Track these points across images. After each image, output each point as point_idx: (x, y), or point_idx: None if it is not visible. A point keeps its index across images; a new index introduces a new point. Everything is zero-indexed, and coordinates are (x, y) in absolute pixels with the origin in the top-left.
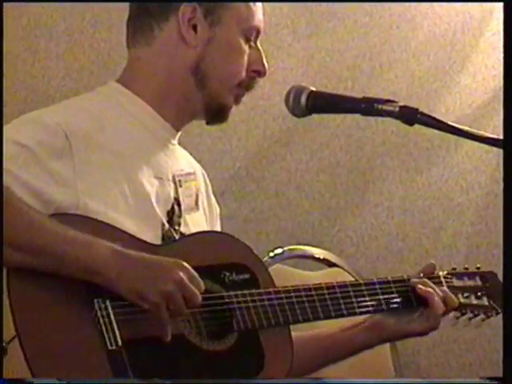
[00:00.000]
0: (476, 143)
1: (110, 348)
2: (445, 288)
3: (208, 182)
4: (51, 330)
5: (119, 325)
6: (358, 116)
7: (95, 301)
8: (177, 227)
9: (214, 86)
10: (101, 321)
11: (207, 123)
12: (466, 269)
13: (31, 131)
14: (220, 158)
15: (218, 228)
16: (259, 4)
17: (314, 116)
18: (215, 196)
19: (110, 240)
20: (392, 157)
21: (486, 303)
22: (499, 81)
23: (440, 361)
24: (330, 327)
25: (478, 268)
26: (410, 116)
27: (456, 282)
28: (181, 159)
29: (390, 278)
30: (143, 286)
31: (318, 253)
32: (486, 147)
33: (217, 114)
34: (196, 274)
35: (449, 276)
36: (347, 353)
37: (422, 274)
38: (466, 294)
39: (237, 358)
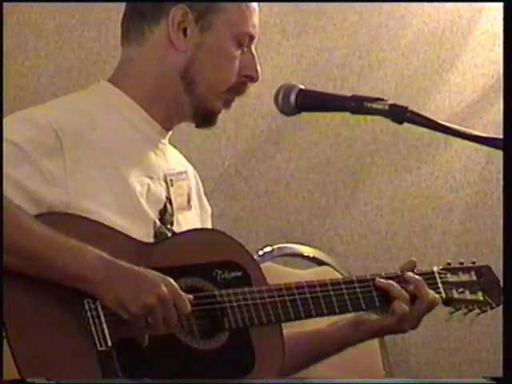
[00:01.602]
0: (465, 142)
1: (99, 349)
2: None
3: (199, 182)
4: (40, 330)
5: (109, 325)
6: (347, 114)
7: (85, 301)
8: (169, 226)
9: (202, 91)
10: (90, 321)
11: (196, 126)
12: (461, 263)
13: (22, 129)
14: (209, 156)
15: (209, 226)
16: (255, 9)
17: (304, 114)
18: (205, 194)
19: (102, 239)
20: (381, 155)
21: (481, 298)
22: (488, 79)
23: (430, 359)
24: (316, 324)
25: (474, 262)
26: (399, 114)
27: (450, 277)
28: (172, 159)
29: (383, 274)
30: (125, 295)
31: (308, 251)
32: (476, 146)
33: (204, 118)
34: (183, 295)
35: (443, 271)
36: (334, 349)
37: (399, 271)
38: (460, 289)
39: (227, 357)
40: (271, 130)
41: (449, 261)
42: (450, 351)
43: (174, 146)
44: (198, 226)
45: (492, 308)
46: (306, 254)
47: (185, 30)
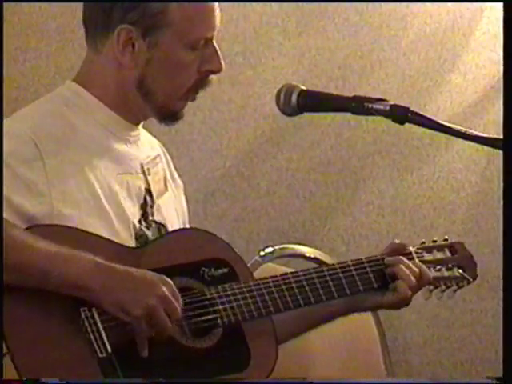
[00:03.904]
0: (467, 142)
1: (100, 356)
2: (418, 262)
3: (168, 157)
4: (41, 342)
5: (107, 331)
6: (348, 115)
7: (81, 309)
8: (151, 217)
9: (160, 99)
10: (88, 329)
11: (164, 124)
12: (435, 241)
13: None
14: (211, 157)
15: (183, 201)
16: (211, 10)
17: (305, 115)
18: (206, 196)
19: (89, 249)
20: (383, 156)
21: (457, 274)
22: (490, 80)
23: (431, 359)
24: None
25: (446, 239)
26: (400, 115)
27: (427, 256)
28: (144, 146)
29: (363, 259)
30: (125, 298)
31: (309, 252)
32: (477, 146)
33: (169, 118)
34: (176, 290)
35: (419, 251)
36: (324, 318)
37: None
38: (437, 267)
39: (223, 354)
40: (273, 131)
41: (423, 239)
42: (451, 351)
43: (176, 146)
44: (176, 206)
45: (469, 283)
46: (307, 255)
47: (133, 46)
